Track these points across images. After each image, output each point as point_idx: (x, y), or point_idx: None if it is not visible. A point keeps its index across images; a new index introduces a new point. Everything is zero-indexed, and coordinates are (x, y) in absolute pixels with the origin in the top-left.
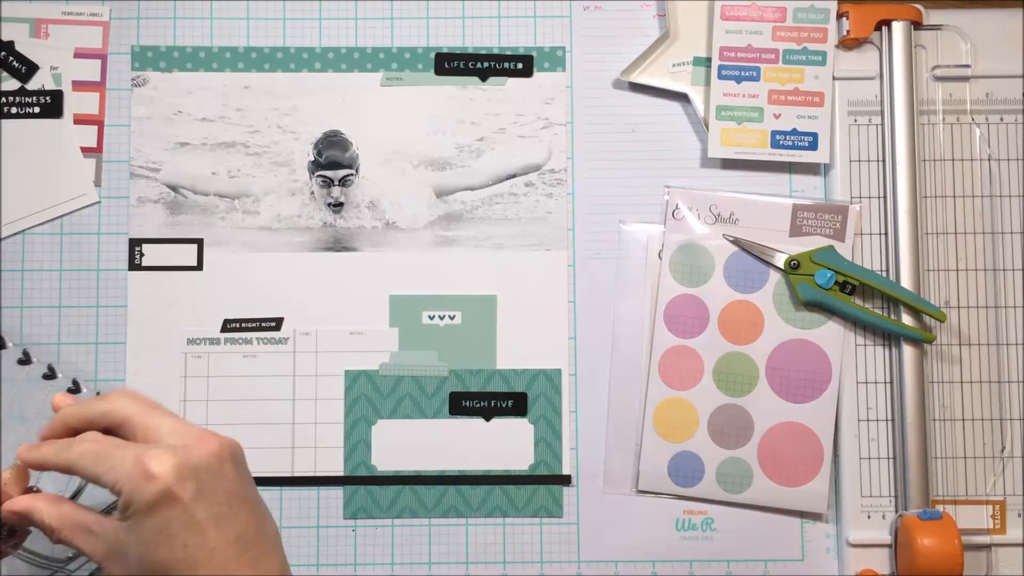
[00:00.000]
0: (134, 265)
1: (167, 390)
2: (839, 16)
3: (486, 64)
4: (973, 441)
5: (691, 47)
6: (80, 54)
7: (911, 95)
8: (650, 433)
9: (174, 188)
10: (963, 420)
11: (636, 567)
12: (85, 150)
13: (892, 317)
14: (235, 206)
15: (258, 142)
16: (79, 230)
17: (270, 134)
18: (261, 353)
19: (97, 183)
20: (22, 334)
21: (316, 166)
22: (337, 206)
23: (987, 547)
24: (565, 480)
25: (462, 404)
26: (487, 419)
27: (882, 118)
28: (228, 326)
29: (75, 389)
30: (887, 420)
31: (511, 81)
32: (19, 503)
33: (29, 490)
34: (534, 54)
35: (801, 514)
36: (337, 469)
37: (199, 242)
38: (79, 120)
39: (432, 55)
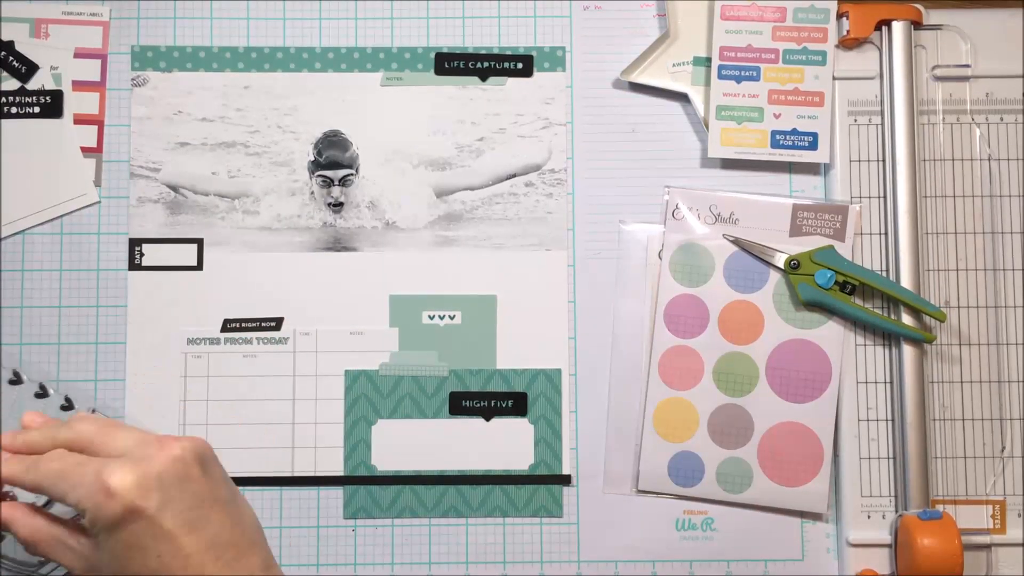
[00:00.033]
0: (134, 265)
1: (167, 390)
2: (839, 16)
3: (486, 64)
4: (973, 441)
5: (691, 47)
6: (80, 54)
7: (911, 95)
8: (650, 433)
9: (174, 188)
10: (963, 420)
11: (636, 567)
12: (85, 150)
13: (892, 317)
14: (235, 206)
15: (258, 142)
16: (79, 230)
17: (270, 134)
18: (261, 353)
19: (97, 183)
20: (22, 334)
21: (316, 166)
22: (337, 206)
23: (987, 547)
24: (565, 480)
25: (462, 404)
26: (487, 419)
27: (882, 118)
28: (228, 326)
29: (42, 394)
30: (887, 420)
31: (511, 81)
32: None
33: (4, 496)
34: (534, 54)
35: (801, 514)
36: (337, 469)
37: (199, 242)
38: (79, 120)
39: (432, 55)
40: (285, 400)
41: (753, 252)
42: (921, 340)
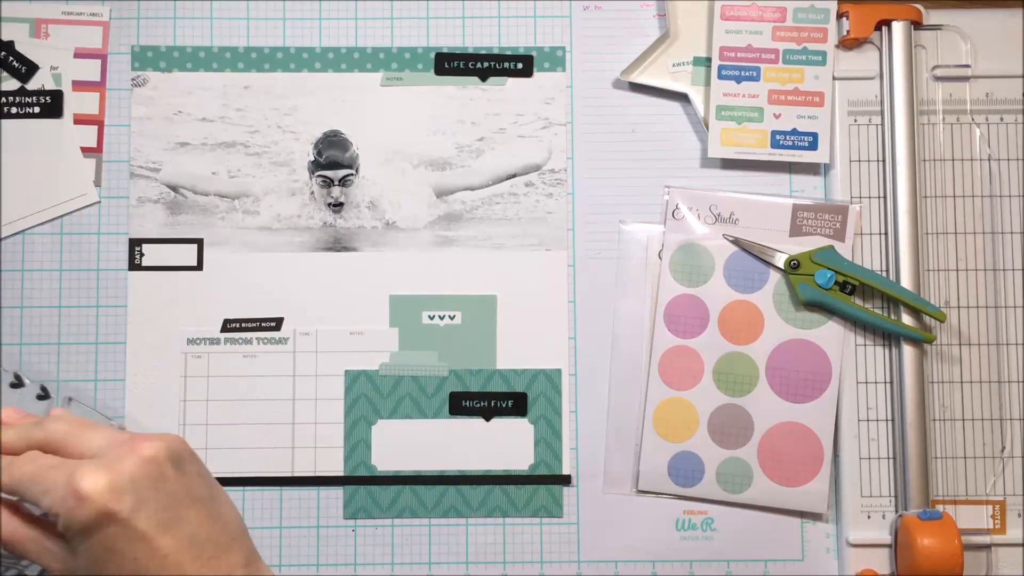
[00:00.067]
0: (134, 265)
1: (167, 390)
2: (839, 16)
3: (486, 64)
4: (973, 441)
5: (691, 47)
6: (80, 54)
7: (911, 95)
8: (650, 433)
9: (174, 188)
10: (963, 420)
11: (636, 567)
12: (85, 150)
13: (892, 317)
14: (235, 206)
15: (258, 142)
16: (79, 230)
17: (270, 134)
18: (261, 353)
19: (97, 183)
20: (22, 334)
21: (316, 166)
22: (337, 206)
23: (987, 547)
24: (565, 480)
25: (462, 404)
26: (487, 419)
27: (882, 118)
28: (228, 326)
29: (44, 395)
30: (887, 420)
31: (511, 81)
32: None
33: None
34: (534, 54)
35: (801, 514)
36: (337, 469)
37: (199, 242)
38: (79, 120)
39: (432, 55)
40: (285, 400)
41: (753, 252)
42: (921, 340)
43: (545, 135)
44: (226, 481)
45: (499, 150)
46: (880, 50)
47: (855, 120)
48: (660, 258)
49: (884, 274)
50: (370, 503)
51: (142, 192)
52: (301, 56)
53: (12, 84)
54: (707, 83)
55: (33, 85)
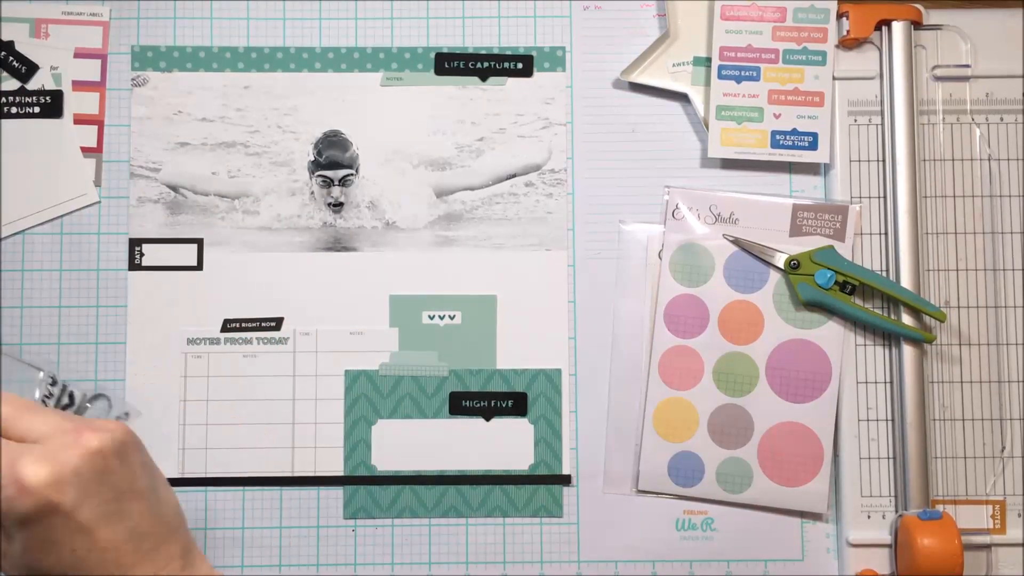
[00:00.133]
0: (134, 265)
1: (167, 390)
2: (839, 16)
3: (486, 64)
4: (973, 441)
5: (691, 47)
6: (80, 54)
7: (911, 95)
8: (650, 433)
9: (174, 188)
10: (963, 420)
11: (636, 567)
12: (85, 150)
13: (892, 317)
14: (235, 206)
15: (258, 142)
16: (79, 230)
17: (270, 134)
18: (261, 353)
19: (97, 183)
20: (22, 334)
21: (316, 166)
22: (337, 206)
23: (987, 547)
24: (565, 480)
25: (462, 404)
26: (487, 419)
27: (882, 118)
28: (228, 326)
29: (69, 403)
30: (887, 420)
31: (511, 81)
32: None
33: None
34: (534, 54)
35: (801, 514)
36: (337, 469)
37: (199, 242)
38: (79, 120)
39: (432, 55)
40: (285, 400)
41: (753, 252)
42: (921, 340)
43: (545, 135)
44: (226, 481)
45: (499, 150)
46: (880, 50)
47: (855, 120)
48: (660, 258)
49: (884, 274)
50: (370, 503)
51: (142, 192)
52: (301, 56)
53: (12, 84)
54: (707, 83)
55: (33, 85)
